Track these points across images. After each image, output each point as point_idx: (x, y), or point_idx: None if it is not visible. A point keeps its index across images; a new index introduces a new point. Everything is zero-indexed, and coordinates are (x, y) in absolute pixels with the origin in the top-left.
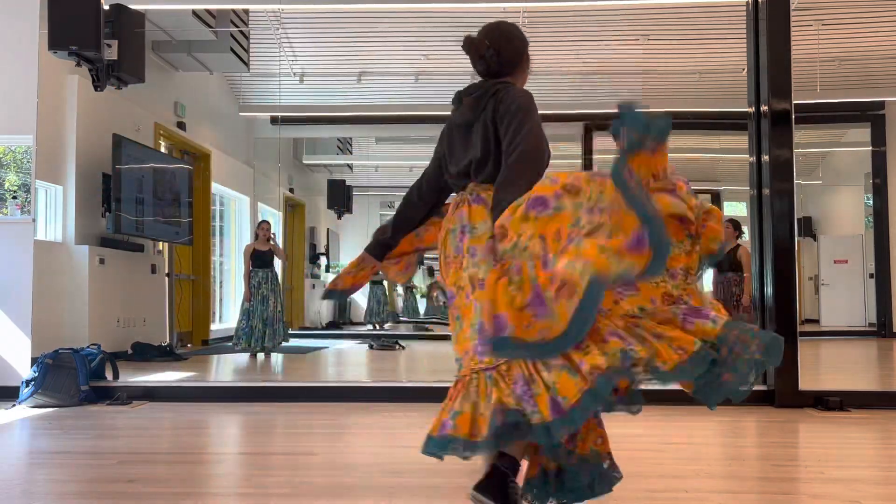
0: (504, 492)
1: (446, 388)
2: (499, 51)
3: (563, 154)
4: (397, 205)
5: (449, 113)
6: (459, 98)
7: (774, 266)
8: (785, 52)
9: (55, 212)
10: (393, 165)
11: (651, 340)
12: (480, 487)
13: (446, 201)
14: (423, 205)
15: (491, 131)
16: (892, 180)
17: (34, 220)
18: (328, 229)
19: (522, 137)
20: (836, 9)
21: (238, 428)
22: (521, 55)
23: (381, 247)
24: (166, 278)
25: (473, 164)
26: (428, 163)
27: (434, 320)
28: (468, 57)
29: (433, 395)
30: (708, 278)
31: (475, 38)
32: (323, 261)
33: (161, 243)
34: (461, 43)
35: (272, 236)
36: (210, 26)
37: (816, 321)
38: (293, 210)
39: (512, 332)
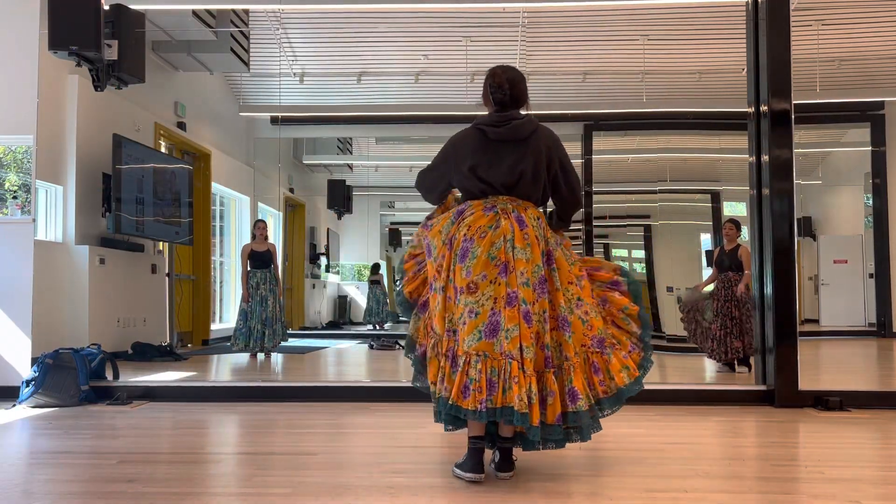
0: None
1: None
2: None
3: None
4: (397, 205)
5: (449, 113)
6: (499, 122)
7: (774, 266)
8: (785, 52)
9: (55, 212)
10: (393, 165)
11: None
12: (480, 465)
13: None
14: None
15: (542, 157)
16: (892, 180)
17: (34, 220)
18: (328, 229)
19: (578, 188)
20: (836, 9)
21: (238, 428)
22: (527, 94)
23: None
24: (166, 278)
25: (522, 179)
26: (425, 167)
27: None
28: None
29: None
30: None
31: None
32: (323, 261)
33: (161, 243)
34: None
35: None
36: (210, 26)
37: (816, 321)
38: (293, 210)
39: None
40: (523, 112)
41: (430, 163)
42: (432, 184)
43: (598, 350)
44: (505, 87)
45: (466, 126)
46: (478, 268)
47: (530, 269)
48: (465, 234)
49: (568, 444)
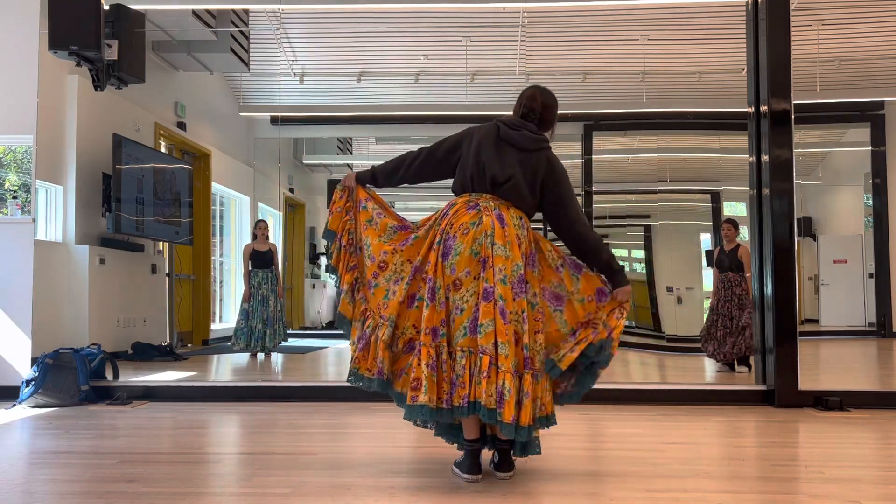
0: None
1: None
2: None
3: (564, 154)
4: (397, 205)
5: (449, 113)
6: (514, 125)
7: (774, 266)
8: (785, 52)
9: (55, 212)
10: None
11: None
12: (477, 466)
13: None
14: (419, 177)
15: (538, 175)
16: (892, 180)
17: (34, 220)
18: None
19: (578, 206)
20: (836, 9)
21: (238, 428)
22: (554, 120)
23: (371, 176)
24: (166, 278)
25: (511, 182)
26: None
27: None
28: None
29: None
30: (709, 278)
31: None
32: (323, 261)
33: (161, 243)
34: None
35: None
36: (210, 26)
37: (816, 321)
38: (293, 210)
39: None
40: (547, 135)
41: (434, 145)
42: (437, 162)
43: (538, 367)
44: (538, 110)
45: (466, 126)
46: (461, 264)
47: (509, 266)
48: (448, 233)
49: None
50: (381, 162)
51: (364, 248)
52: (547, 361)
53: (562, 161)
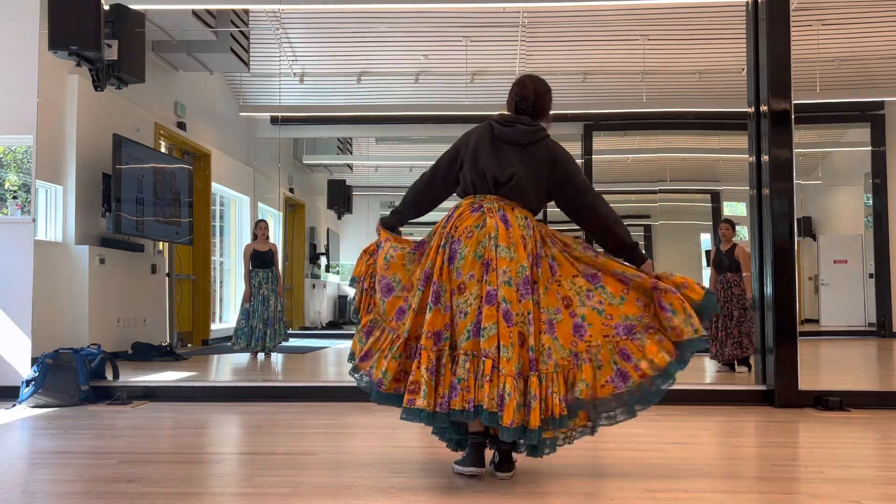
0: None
1: None
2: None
3: None
4: (397, 205)
5: (449, 113)
6: (507, 122)
7: (774, 266)
8: (785, 52)
9: (55, 212)
10: (393, 165)
11: None
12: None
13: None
14: (434, 199)
15: (542, 167)
16: (892, 180)
17: (34, 220)
18: (328, 229)
19: (589, 187)
20: (836, 9)
21: (238, 428)
22: (549, 107)
23: (395, 215)
24: (166, 278)
25: (513, 181)
26: (433, 162)
27: None
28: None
29: None
30: (707, 278)
31: (525, 82)
32: (323, 261)
33: (161, 243)
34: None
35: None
36: (210, 26)
37: (816, 321)
38: (293, 210)
39: None
40: (543, 124)
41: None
42: (442, 177)
43: (625, 337)
44: (530, 98)
45: (467, 126)
46: (466, 268)
47: (514, 268)
48: (452, 236)
49: (571, 445)
50: (383, 163)
51: (394, 285)
52: (681, 344)
53: None
